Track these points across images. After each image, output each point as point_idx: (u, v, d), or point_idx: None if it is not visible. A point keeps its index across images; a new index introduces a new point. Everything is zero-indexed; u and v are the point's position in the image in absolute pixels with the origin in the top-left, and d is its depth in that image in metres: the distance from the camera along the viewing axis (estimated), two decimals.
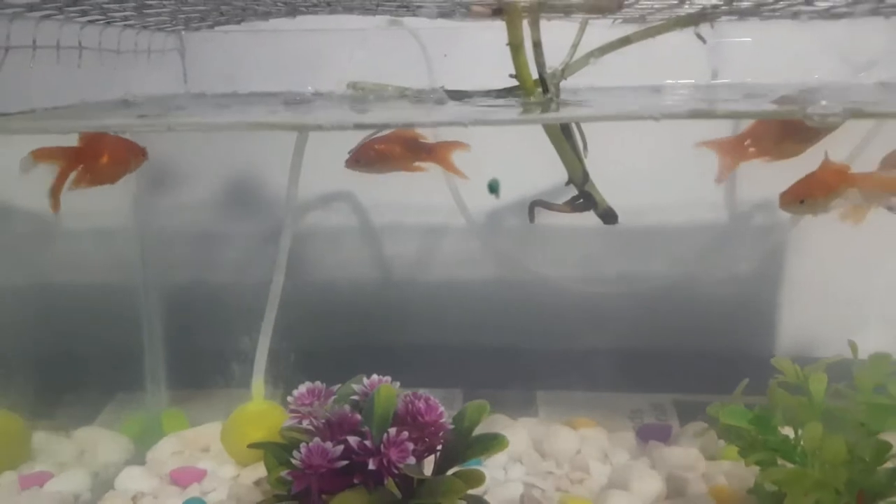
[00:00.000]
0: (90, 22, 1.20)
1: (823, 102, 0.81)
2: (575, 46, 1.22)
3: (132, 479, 1.23)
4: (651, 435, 1.34)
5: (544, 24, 1.14)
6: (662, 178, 1.53)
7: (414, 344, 1.61)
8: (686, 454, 1.24)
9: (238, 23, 1.38)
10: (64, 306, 1.53)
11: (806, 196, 1.07)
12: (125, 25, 1.30)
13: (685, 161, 1.47)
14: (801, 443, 0.98)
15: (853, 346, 1.10)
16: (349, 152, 1.26)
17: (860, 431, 1.02)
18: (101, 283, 1.58)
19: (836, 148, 1.23)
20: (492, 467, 1.25)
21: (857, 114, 0.89)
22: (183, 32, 1.47)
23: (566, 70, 1.20)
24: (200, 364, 1.51)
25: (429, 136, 1.32)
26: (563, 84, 1.18)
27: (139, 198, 1.54)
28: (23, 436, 1.31)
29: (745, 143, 1.16)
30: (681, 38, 1.19)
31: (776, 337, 1.67)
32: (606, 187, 1.32)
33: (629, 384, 1.56)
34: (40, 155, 1.09)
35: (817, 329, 1.61)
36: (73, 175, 1.12)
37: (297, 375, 1.15)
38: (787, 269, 1.64)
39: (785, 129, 1.14)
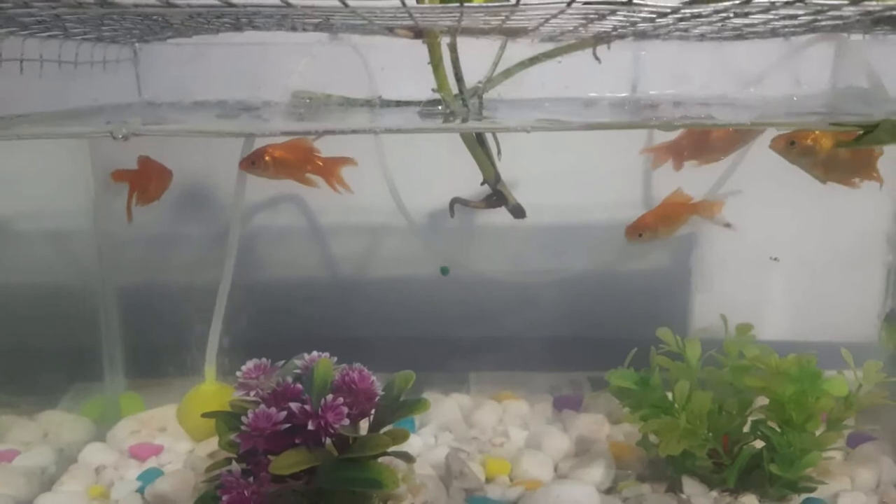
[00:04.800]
0: (50, 37, 1.30)
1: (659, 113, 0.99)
2: (496, 63, 1.38)
3: (94, 454, 1.33)
4: (565, 404, 1.50)
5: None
6: (588, 181, 1.68)
7: (360, 334, 1.70)
8: (593, 419, 1.41)
9: (189, 36, 1.49)
10: (25, 304, 1.59)
11: (643, 230, 1.29)
12: (83, 39, 1.40)
13: (610, 166, 1.66)
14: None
15: (724, 319, 1.29)
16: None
17: (728, 389, 1.21)
18: (62, 282, 1.64)
19: None
20: (424, 435, 1.40)
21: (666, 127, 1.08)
22: (136, 44, 1.58)
23: (488, 84, 1.37)
24: (156, 356, 1.59)
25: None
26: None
27: (97, 201, 1.62)
28: None
29: (679, 147, 1.34)
30: (611, 55, 1.37)
31: (688, 321, 1.85)
32: (540, 189, 1.45)
33: (552, 364, 1.71)
34: (117, 176, 1.34)
35: (725, 312, 1.82)
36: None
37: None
38: (697, 261, 1.83)
39: (707, 139, 1.34)
